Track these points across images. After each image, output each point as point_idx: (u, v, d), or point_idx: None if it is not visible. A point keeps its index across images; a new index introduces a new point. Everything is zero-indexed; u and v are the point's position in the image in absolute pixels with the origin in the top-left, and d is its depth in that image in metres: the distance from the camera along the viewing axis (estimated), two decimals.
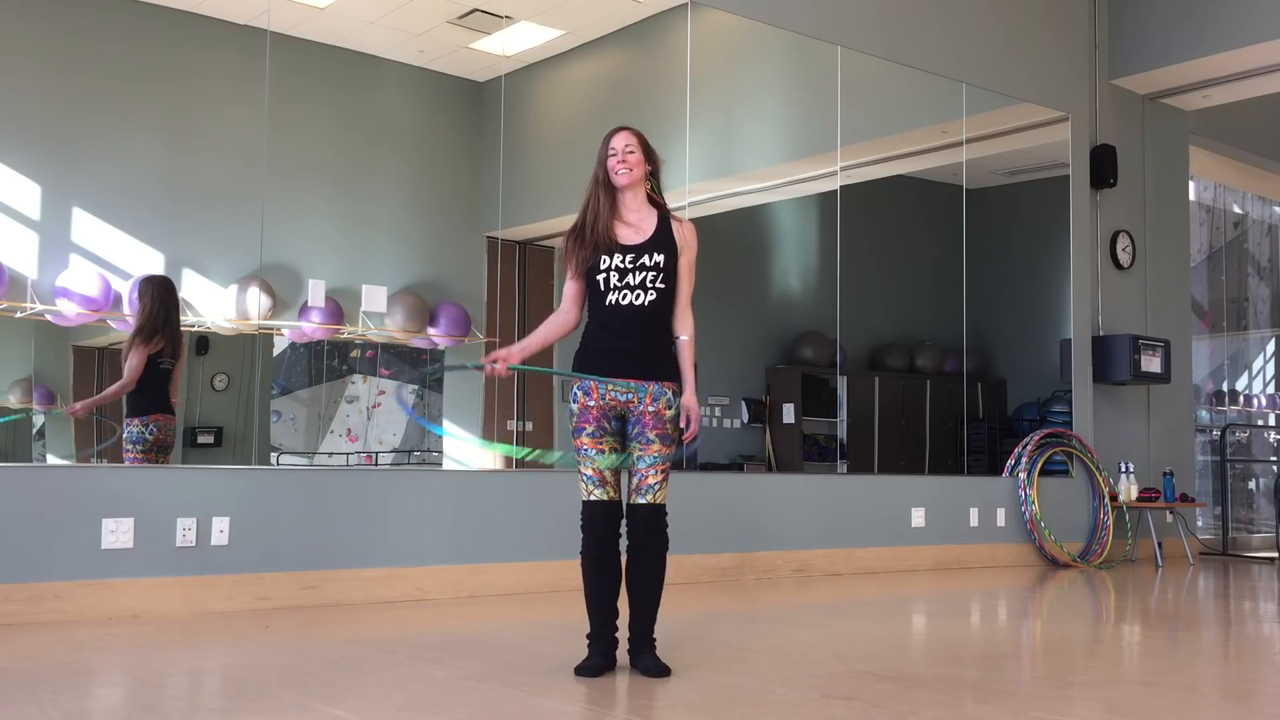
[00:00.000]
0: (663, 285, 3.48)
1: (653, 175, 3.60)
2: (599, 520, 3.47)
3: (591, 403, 3.46)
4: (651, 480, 3.47)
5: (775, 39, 6.97)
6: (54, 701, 2.99)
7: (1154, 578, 7.19)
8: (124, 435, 5.37)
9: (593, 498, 3.47)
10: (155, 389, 5.39)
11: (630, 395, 3.45)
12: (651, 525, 3.48)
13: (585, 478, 3.48)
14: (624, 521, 3.53)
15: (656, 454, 3.47)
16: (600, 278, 3.47)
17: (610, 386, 3.44)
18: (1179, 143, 9.21)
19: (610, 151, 3.53)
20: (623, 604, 3.55)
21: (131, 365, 5.32)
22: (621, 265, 3.46)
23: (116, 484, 4.66)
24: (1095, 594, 6.39)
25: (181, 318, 5.57)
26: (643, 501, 3.48)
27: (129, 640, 4.06)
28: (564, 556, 5.69)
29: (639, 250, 3.48)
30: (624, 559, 3.55)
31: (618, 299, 3.46)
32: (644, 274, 3.47)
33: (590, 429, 3.47)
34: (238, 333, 5.85)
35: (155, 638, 4.13)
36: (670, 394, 3.49)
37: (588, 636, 3.52)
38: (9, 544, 4.35)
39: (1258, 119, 9.95)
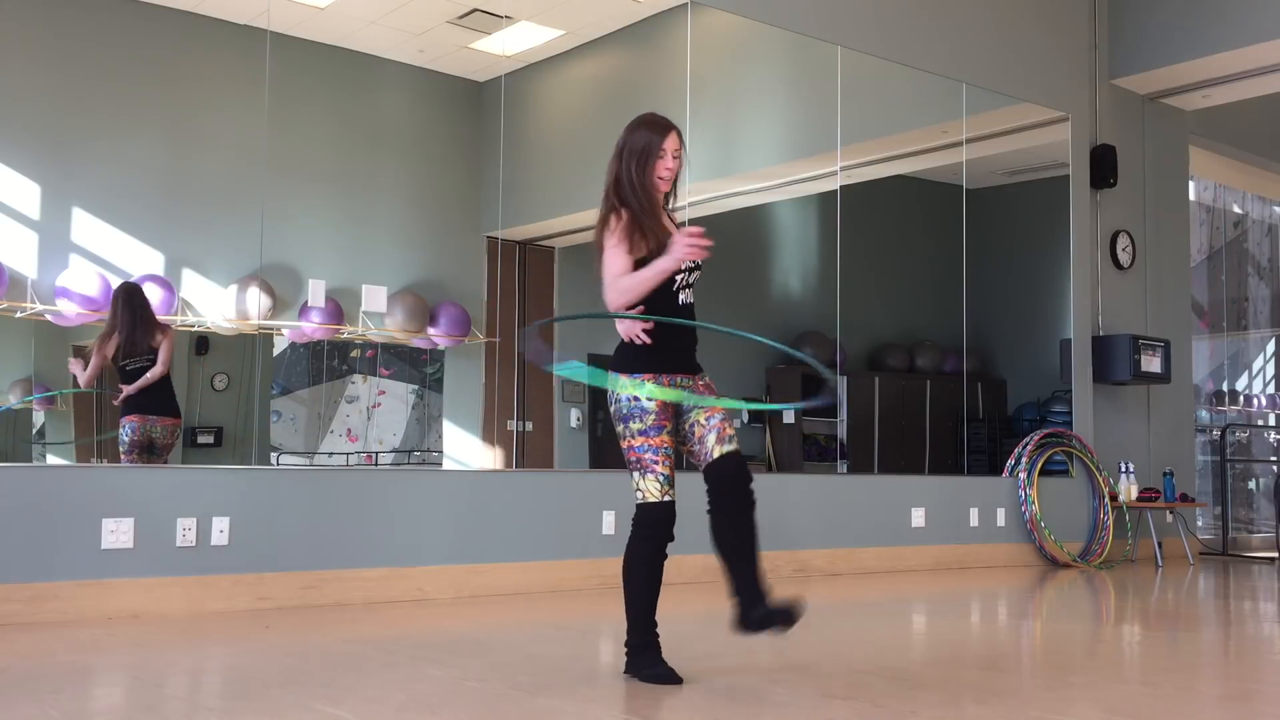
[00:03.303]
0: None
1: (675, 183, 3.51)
2: (671, 523, 3.37)
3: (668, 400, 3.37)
4: (730, 431, 3.40)
5: (775, 39, 6.97)
6: (54, 701, 2.99)
7: (1154, 578, 7.19)
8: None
9: (667, 499, 3.35)
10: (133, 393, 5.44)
11: (691, 385, 3.42)
12: (744, 470, 3.39)
13: (661, 476, 3.33)
14: None
15: (723, 413, 3.40)
16: (679, 276, 3.38)
17: (679, 382, 3.38)
18: (1179, 143, 9.21)
19: (660, 153, 3.39)
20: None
21: (90, 368, 5.37)
22: (689, 266, 3.39)
23: (116, 484, 4.66)
24: (1095, 594, 6.39)
25: (181, 317, 5.57)
26: (732, 449, 3.38)
27: (129, 640, 4.06)
28: (564, 556, 5.70)
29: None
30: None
31: (686, 299, 3.42)
32: (694, 274, 3.44)
33: (670, 425, 3.36)
34: (238, 333, 5.85)
35: (155, 638, 4.13)
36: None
37: (633, 646, 3.37)
38: (9, 544, 4.35)
39: (1258, 119, 9.95)
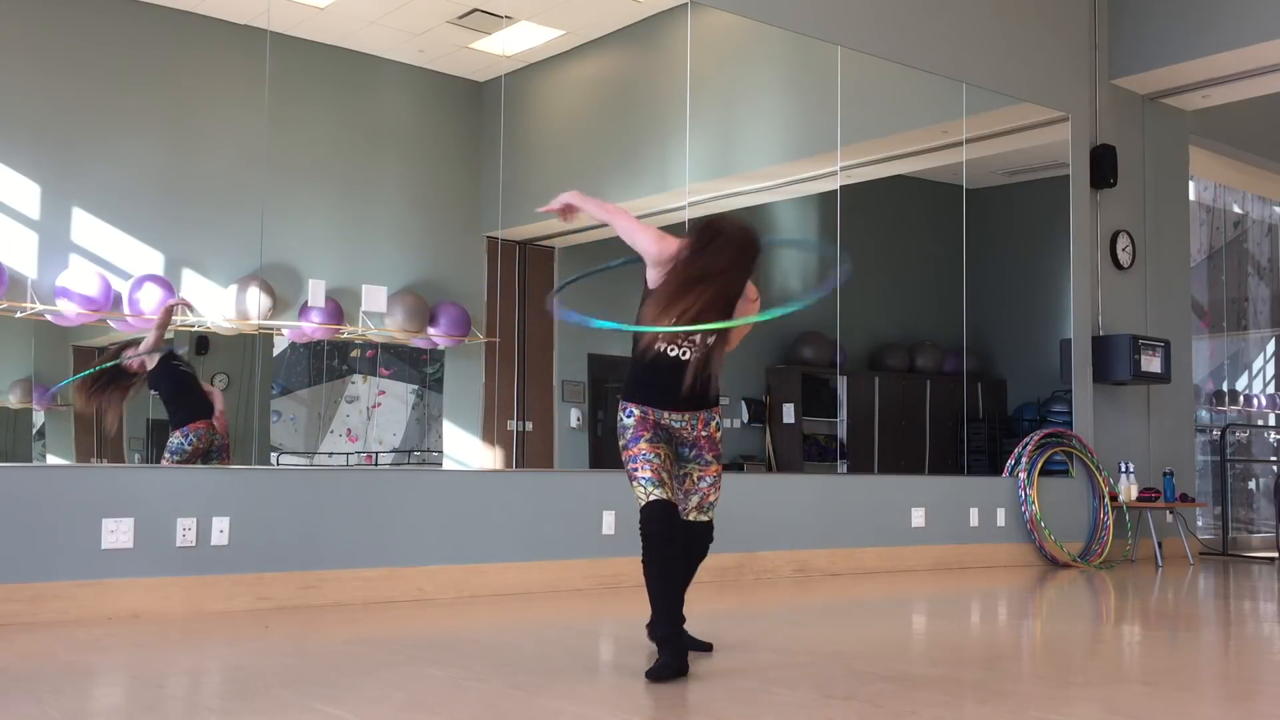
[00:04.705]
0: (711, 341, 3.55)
1: None
2: (668, 519, 3.49)
3: (648, 417, 3.57)
4: (713, 498, 3.65)
5: (775, 39, 6.97)
6: (54, 701, 2.99)
7: (1154, 578, 7.19)
8: (168, 445, 5.46)
9: (653, 498, 3.50)
10: (189, 396, 5.48)
11: (683, 423, 3.58)
12: (708, 539, 3.68)
13: (644, 480, 3.51)
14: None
15: (716, 474, 3.66)
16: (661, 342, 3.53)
17: (666, 415, 3.57)
18: (1179, 143, 9.21)
19: None
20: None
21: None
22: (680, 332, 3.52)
23: (116, 484, 4.66)
24: (1095, 594, 6.39)
25: (180, 317, 5.60)
26: (705, 519, 3.65)
27: (129, 640, 4.06)
28: (564, 556, 5.70)
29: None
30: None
31: (676, 353, 3.54)
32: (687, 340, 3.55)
33: (648, 435, 3.55)
34: (238, 333, 5.85)
35: (155, 638, 4.13)
36: (717, 417, 3.65)
37: (658, 640, 3.48)
38: (9, 544, 4.35)
39: (1258, 119, 9.95)
